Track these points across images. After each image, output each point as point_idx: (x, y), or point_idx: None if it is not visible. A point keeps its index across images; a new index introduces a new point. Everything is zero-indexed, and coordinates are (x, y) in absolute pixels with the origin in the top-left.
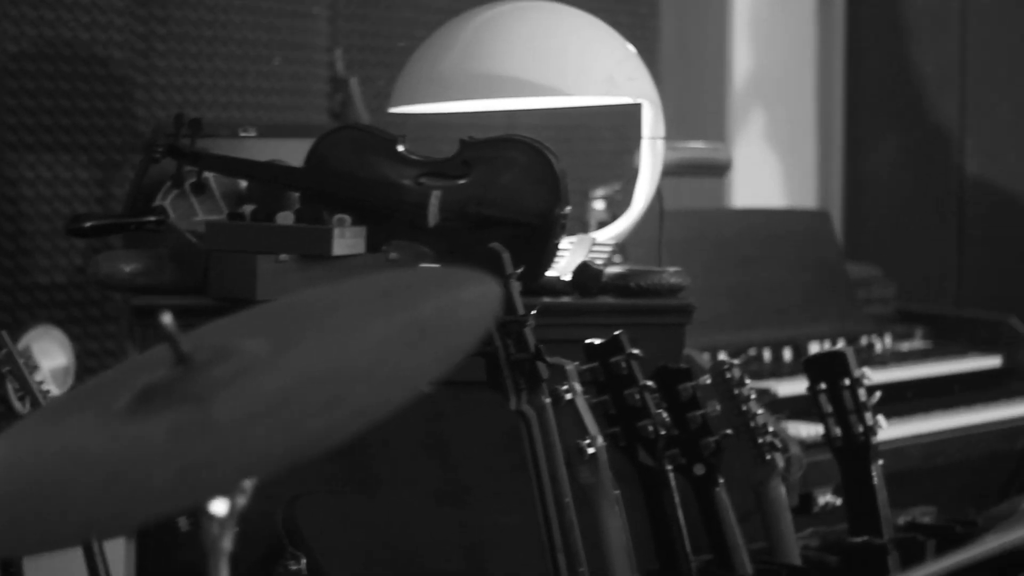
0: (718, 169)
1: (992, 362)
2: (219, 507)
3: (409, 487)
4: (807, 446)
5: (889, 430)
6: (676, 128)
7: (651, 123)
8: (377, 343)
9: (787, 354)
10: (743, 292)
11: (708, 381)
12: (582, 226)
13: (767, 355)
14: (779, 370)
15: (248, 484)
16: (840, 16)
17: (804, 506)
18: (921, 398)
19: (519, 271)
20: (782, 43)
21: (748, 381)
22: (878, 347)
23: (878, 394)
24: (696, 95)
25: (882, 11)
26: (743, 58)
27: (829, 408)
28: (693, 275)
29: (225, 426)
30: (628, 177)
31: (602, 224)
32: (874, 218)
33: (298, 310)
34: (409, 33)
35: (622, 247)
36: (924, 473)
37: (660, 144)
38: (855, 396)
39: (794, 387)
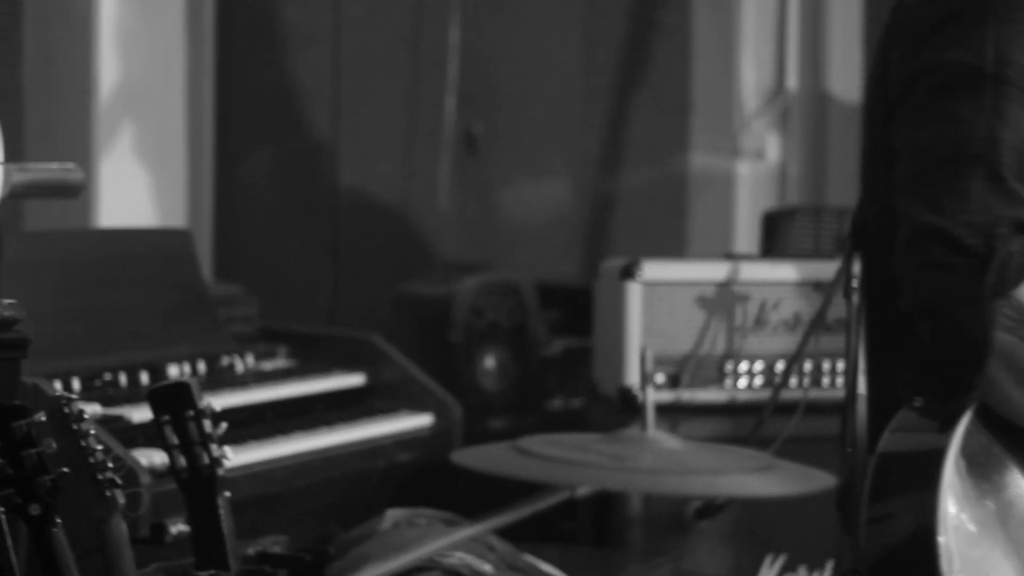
0: (70, 190)
1: (355, 380)
2: None
3: None
4: (161, 474)
5: (249, 453)
6: (42, 144)
7: None
8: None
9: (144, 378)
10: (99, 316)
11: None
12: None
13: (123, 379)
14: (135, 395)
15: None
16: (210, 26)
17: (156, 536)
18: (283, 419)
19: None
20: (151, 54)
21: (88, 415)
22: (240, 367)
23: (224, 425)
24: (62, 109)
25: (255, 22)
26: (110, 70)
27: (175, 440)
28: (44, 299)
29: None
30: None
31: None
32: (246, 234)
33: None
34: None
35: None
36: (288, 496)
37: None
38: (200, 427)
39: (149, 413)
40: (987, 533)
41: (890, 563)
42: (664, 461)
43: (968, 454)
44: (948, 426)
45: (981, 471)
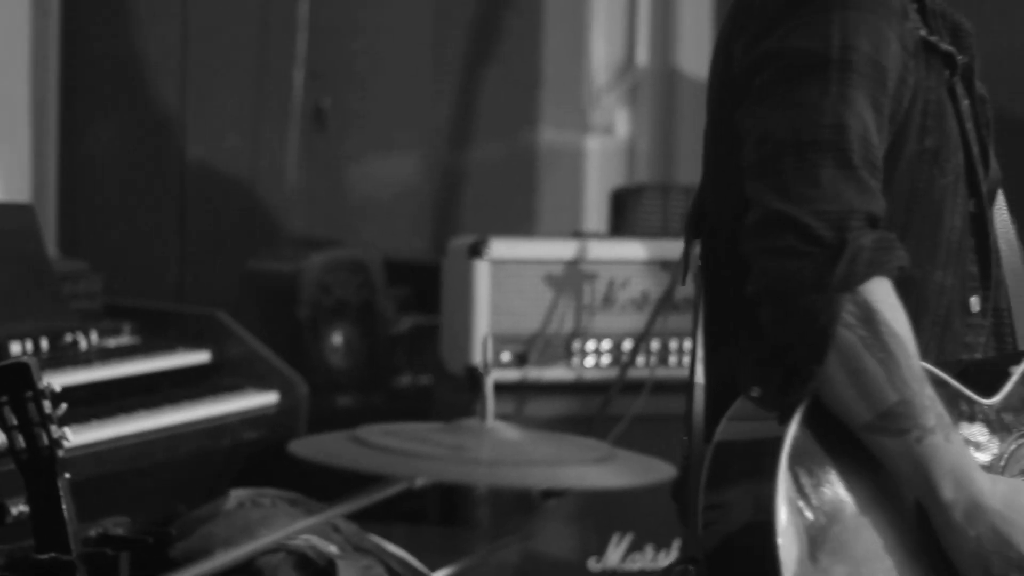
0: None
1: (201, 357)
2: None
3: None
4: (1, 454)
5: (92, 432)
6: None
7: None
8: None
9: None
10: None
11: None
12: None
13: None
14: None
15: None
16: None
17: None
18: (127, 397)
19: None
20: None
21: None
22: (83, 344)
23: (64, 406)
24: None
25: None
26: None
27: (13, 420)
28: None
29: None
30: None
31: None
32: (92, 209)
33: None
34: None
35: None
36: (131, 476)
37: None
38: (40, 408)
39: None
40: (820, 525)
41: (727, 552)
42: (503, 452)
43: (802, 446)
44: (785, 418)
45: (814, 462)
